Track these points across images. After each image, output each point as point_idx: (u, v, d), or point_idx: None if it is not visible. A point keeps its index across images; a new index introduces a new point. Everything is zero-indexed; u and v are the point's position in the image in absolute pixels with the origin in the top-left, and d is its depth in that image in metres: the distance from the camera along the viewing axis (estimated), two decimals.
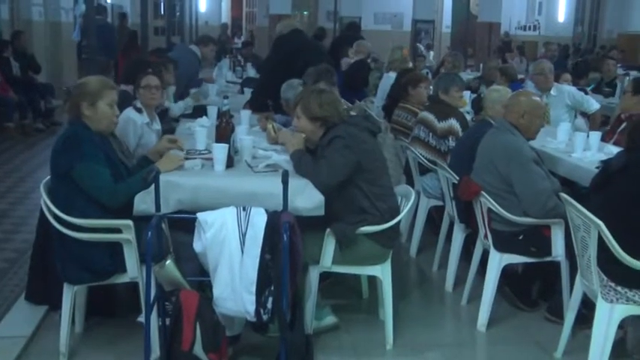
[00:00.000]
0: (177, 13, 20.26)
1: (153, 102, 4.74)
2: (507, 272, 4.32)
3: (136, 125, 4.50)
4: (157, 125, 4.80)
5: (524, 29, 23.68)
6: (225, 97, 4.10)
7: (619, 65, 12.61)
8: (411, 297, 4.68)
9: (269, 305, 3.28)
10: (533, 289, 4.49)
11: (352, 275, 4.34)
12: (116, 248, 3.51)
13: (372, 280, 4.14)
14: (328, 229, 3.70)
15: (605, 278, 3.37)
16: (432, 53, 17.50)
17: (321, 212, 3.59)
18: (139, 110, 4.59)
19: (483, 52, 17.24)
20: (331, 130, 3.81)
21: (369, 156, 3.77)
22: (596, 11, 23.15)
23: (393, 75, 7.56)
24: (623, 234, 3.28)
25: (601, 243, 3.31)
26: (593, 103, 6.63)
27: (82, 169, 3.48)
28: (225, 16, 27.02)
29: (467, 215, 4.43)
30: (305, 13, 24.07)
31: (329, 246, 3.72)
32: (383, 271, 3.84)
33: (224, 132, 3.90)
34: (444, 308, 4.60)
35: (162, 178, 3.42)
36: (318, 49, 6.84)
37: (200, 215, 3.33)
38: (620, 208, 3.38)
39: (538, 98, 4.33)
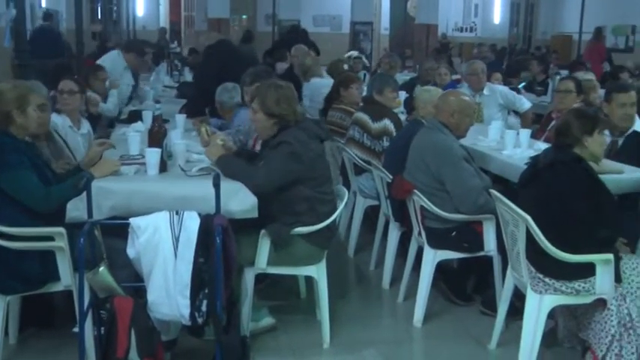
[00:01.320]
0: (115, 18, 20.01)
1: (66, 107, 4.77)
2: (443, 268, 4.40)
3: (57, 127, 4.49)
4: (84, 129, 4.77)
5: (462, 31, 24.07)
6: (157, 102, 4.09)
7: (552, 65, 12.97)
8: (348, 296, 4.72)
9: (204, 308, 3.28)
10: (468, 284, 4.58)
11: (290, 276, 4.36)
12: (49, 256, 3.46)
13: (310, 281, 4.17)
14: (263, 231, 3.71)
15: (534, 270, 3.47)
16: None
17: (255, 214, 3.60)
18: (59, 113, 4.63)
19: (421, 53, 17.46)
20: (282, 133, 3.79)
21: (314, 164, 3.78)
22: (530, 13, 23.73)
23: (314, 81, 7.55)
24: (550, 227, 3.39)
25: (529, 237, 3.41)
26: (525, 102, 6.79)
27: (9, 177, 3.42)
28: (164, 21, 26.75)
29: (401, 214, 4.49)
30: (244, 16, 24.03)
31: (264, 247, 3.73)
32: (318, 271, 3.87)
33: (156, 136, 3.88)
34: (381, 306, 4.65)
35: (95, 184, 3.40)
36: (249, 53, 6.88)
37: (133, 220, 3.31)
38: (548, 203, 3.49)
39: (467, 98, 4.41)
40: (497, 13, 23.74)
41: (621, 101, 4.63)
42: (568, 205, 3.45)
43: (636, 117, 4.75)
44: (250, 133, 4.79)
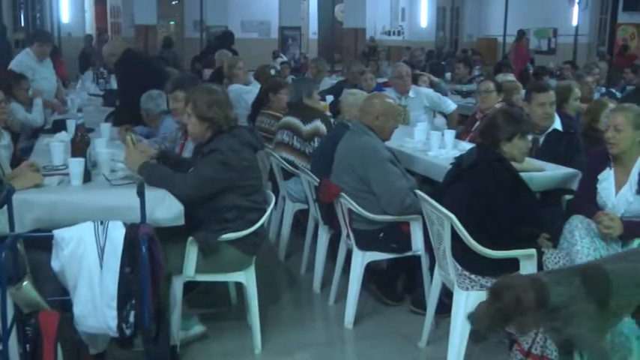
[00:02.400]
0: (38, 25, 19.51)
1: None
2: (372, 269, 4.45)
3: None
4: (5, 140, 4.65)
5: (389, 34, 24.36)
6: (79, 111, 4.01)
7: (477, 67, 13.26)
8: (280, 301, 4.72)
9: (131, 319, 3.24)
10: (398, 284, 4.64)
11: (221, 283, 4.33)
12: None
13: (241, 287, 4.15)
14: (190, 238, 3.68)
15: (460, 267, 3.55)
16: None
17: (182, 222, 3.57)
18: None
19: (350, 57, 17.61)
20: (215, 140, 3.76)
21: (245, 173, 3.76)
22: (456, 17, 24.22)
23: (235, 87, 7.51)
24: (474, 225, 3.47)
25: (455, 235, 3.48)
26: (450, 104, 6.92)
27: None
28: (90, 27, 26.23)
29: (330, 217, 4.52)
30: (171, 22, 23.78)
31: (191, 255, 3.70)
32: (247, 277, 3.86)
33: (79, 146, 3.81)
34: (312, 309, 4.67)
35: (17, 196, 3.30)
36: (170, 57, 6.84)
37: (56, 232, 3.24)
38: (472, 201, 3.57)
39: (391, 100, 4.47)
40: (424, 17, 24.17)
41: (541, 101, 4.76)
42: (491, 203, 3.54)
43: (556, 115, 4.88)
44: (177, 140, 4.75)
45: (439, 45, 20.47)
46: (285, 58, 14.46)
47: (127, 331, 3.24)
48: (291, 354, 3.95)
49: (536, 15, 19.77)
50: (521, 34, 16.89)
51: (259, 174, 3.98)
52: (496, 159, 3.65)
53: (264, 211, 3.88)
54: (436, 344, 3.92)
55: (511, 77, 7.02)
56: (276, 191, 5.55)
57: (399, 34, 24.18)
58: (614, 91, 8.49)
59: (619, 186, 3.99)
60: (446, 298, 3.92)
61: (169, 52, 14.32)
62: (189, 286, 3.96)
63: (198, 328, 4.00)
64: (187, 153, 4.43)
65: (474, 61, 13.10)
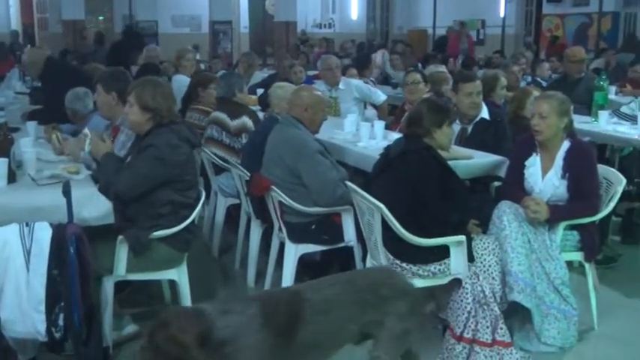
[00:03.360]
0: None
1: None
2: (306, 261, 4.46)
3: None
4: None
5: (320, 27, 24.40)
6: (1, 109, 3.91)
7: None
8: (214, 296, 4.66)
9: (61, 322, 3.19)
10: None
11: (154, 281, 4.28)
12: None
13: (175, 284, 4.10)
14: (120, 237, 3.62)
15: (392, 257, 3.59)
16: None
17: (111, 220, 3.52)
18: None
19: (282, 50, 17.57)
20: (153, 134, 3.72)
21: (181, 168, 3.73)
22: (386, 9, 24.42)
23: (180, 77, 7.49)
24: (405, 214, 3.52)
25: (385, 225, 3.51)
26: (380, 95, 6.98)
27: None
28: (15, 23, 25.50)
29: (262, 210, 4.51)
30: (100, 18, 23.30)
31: (122, 254, 3.64)
32: (179, 275, 3.83)
33: (2, 146, 3.72)
34: None
35: None
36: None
37: None
38: (401, 191, 3.61)
39: (319, 92, 4.49)
40: (355, 9, 24.28)
41: (468, 91, 4.84)
42: (420, 192, 3.59)
43: (483, 105, 4.98)
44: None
45: (370, 37, 20.56)
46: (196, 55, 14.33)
47: (57, 335, 3.19)
48: None
49: (465, 7, 20.09)
50: (462, 25, 17.16)
51: (195, 170, 3.97)
52: (423, 148, 3.70)
53: (196, 207, 3.86)
54: None
55: (442, 69, 7.11)
56: (207, 187, 5.52)
57: (329, 26, 24.23)
58: (539, 79, 8.69)
59: (545, 171, 4.11)
60: None
61: (103, 49, 14.01)
62: (122, 286, 3.91)
63: (131, 328, 3.94)
64: (116, 150, 4.35)
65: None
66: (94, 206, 3.49)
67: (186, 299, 3.85)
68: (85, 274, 3.26)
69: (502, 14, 18.38)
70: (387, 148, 3.94)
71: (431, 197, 3.59)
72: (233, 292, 4.81)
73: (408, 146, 3.73)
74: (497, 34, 18.26)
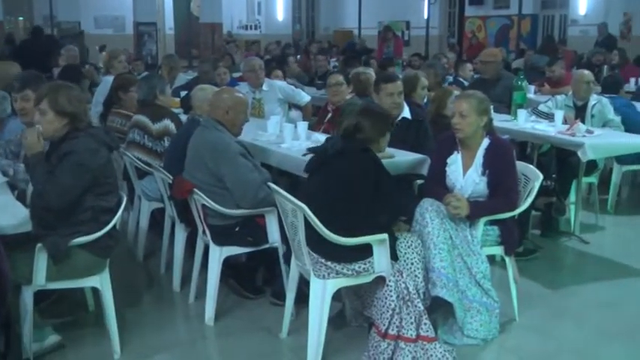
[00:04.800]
0: None
1: None
2: (232, 264, 4.44)
3: None
4: None
5: (246, 29, 24.33)
6: None
7: (333, 59, 13.48)
8: (139, 302, 4.61)
9: None
10: (258, 277, 4.65)
11: (77, 289, 4.18)
12: None
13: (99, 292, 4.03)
14: (39, 245, 3.52)
15: (316, 256, 3.59)
16: None
17: (28, 228, 3.42)
18: None
19: (208, 52, 17.45)
20: (70, 139, 3.63)
21: (102, 172, 3.66)
22: (311, 10, 24.53)
23: (111, 79, 7.36)
24: (333, 213, 3.52)
25: (309, 225, 3.52)
26: (304, 96, 6.99)
27: None
28: None
29: (186, 214, 4.45)
30: (20, 18, 22.71)
31: (41, 262, 3.53)
32: (102, 282, 3.75)
33: None
34: (172, 309, 4.58)
35: None
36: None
37: None
38: (333, 189, 3.61)
39: (241, 94, 4.46)
40: (281, 11, 24.31)
41: (389, 91, 4.90)
42: (354, 191, 3.59)
43: (404, 104, 5.04)
44: (22, 143, 4.53)
45: (296, 38, 20.61)
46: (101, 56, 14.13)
47: None
48: (151, 356, 3.87)
49: (390, 8, 20.38)
50: (385, 28, 17.32)
51: (115, 174, 3.89)
52: (361, 148, 3.72)
53: (118, 212, 3.79)
54: (297, 334, 3.95)
55: (369, 71, 7.17)
56: (131, 191, 5.43)
57: (256, 27, 24.18)
58: (461, 79, 8.86)
59: (466, 168, 4.20)
60: (305, 287, 3.96)
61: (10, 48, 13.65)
62: (43, 295, 3.81)
63: (53, 339, 3.83)
64: None
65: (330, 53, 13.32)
66: (9, 214, 3.40)
67: (110, 306, 3.78)
68: (1, 285, 3.16)
69: (426, 16, 18.67)
70: (321, 148, 3.91)
71: (364, 197, 3.59)
72: (158, 297, 4.74)
73: (346, 145, 3.73)
74: (421, 36, 18.56)
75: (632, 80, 10.00)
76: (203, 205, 4.13)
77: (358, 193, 3.60)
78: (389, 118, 3.95)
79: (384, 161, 4.15)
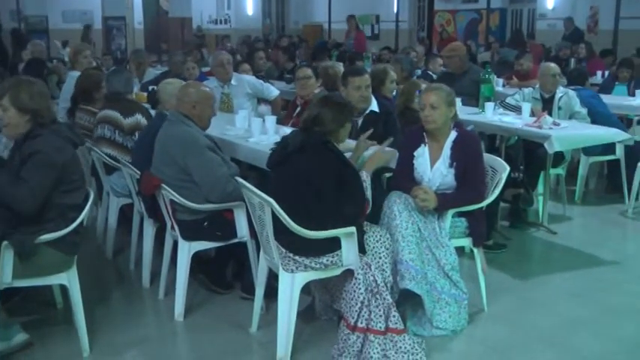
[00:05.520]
0: None
1: None
2: (201, 259, 4.42)
3: None
4: None
5: (216, 23, 24.20)
6: None
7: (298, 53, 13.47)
8: (109, 299, 4.58)
9: None
10: (228, 272, 4.64)
11: (46, 286, 4.14)
12: None
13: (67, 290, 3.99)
14: (5, 242, 3.48)
15: (284, 250, 3.59)
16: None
17: None
18: None
19: (178, 46, 17.35)
20: (34, 137, 3.58)
21: (68, 169, 3.62)
22: (281, 4, 24.48)
23: (77, 74, 7.28)
24: (300, 207, 3.52)
25: (277, 218, 3.51)
26: (273, 90, 6.98)
27: None
28: None
29: (154, 209, 4.42)
30: None
31: (7, 260, 3.50)
32: (70, 279, 3.71)
33: None
34: (142, 305, 4.56)
35: None
36: None
37: None
38: (298, 184, 3.61)
39: (207, 88, 4.44)
40: (250, 5, 24.24)
41: (356, 84, 4.90)
42: (318, 185, 3.59)
43: (372, 98, 5.05)
44: None
45: (265, 32, 20.56)
46: (64, 52, 13.95)
47: None
48: (121, 353, 3.85)
49: (360, 2, 20.38)
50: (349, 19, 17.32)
51: (82, 171, 3.85)
52: (321, 142, 3.71)
53: (85, 209, 3.76)
54: (267, 328, 3.96)
55: (339, 64, 7.17)
56: (99, 187, 5.39)
57: (225, 22, 24.07)
58: (431, 73, 8.91)
59: (434, 161, 4.23)
60: (275, 281, 3.96)
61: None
62: (10, 293, 3.77)
63: (20, 337, 3.78)
64: None
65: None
66: None
67: (78, 303, 3.74)
68: None
69: (395, 9, 18.73)
70: (284, 142, 3.91)
71: (328, 190, 3.58)
72: (128, 294, 4.71)
73: (306, 140, 3.73)
74: (391, 29, 18.63)
75: (599, 73, 10.14)
76: (171, 201, 4.11)
77: (321, 187, 3.59)
78: (349, 109, 3.92)
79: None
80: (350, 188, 3.66)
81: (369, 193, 3.80)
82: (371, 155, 4.04)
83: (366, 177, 3.85)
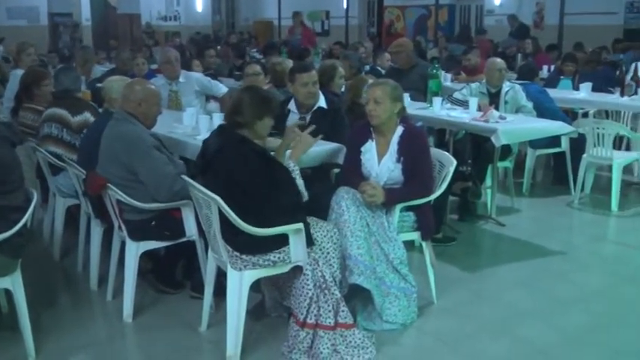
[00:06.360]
0: None
1: None
2: (152, 259, 4.37)
3: None
4: None
5: (166, 20, 23.96)
6: None
7: (254, 50, 13.42)
8: (56, 302, 4.50)
9: None
10: (177, 271, 4.60)
11: None
12: None
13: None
14: None
15: (231, 249, 3.57)
16: None
17: None
18: None
19: (127, 43, 17.14)
20: None
21: (5, 169, 3.53)
22: (231, 0, 24.35)
23: (20, 72, 7.15)
24: (239, 207, 3.49)
25: (224, 217, 3.49)
26: (221, 87, 6.94)
27: None
28: None
29: (101, 210, 4.36)
30: None
31: None
32: (13, 282, 3.63)
33: None
34: (90, 307, 4.48)
35: None
36: None
37: None
38: (227, 186, 3.56)
39: (153, 86, 4.38)
40: (200, 1, 24.05)
41: (304, 81, 4.89)
42: (246, 184, 3.57)
43: (320, 94, 5.05)
44: None
45: (215, 29, 20.44)
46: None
47: None
48: (68, 357, 3.78)
49: None
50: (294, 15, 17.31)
51: (21, 171, 3.75)
52: (239, 141, 3.68)
53: (27, 210, 3.68)
54: (217, 326, 3.93)
55: (287, 61, 7.16)
56: (46, 188, 5.29)
57: (175, 19, 23.84)
58: (379, 68, 8.96)
59: (381, 156, 4.25)
60: (224, 279, 3.93)
61: None
62: None
63: None
64: None
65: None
66: None
67: (23, 307, 3.66)
68: None
69: (345, 5, 18.78)
70: (204, 146, 3.88)
71: (257, 189, 3.57)
72: (76, 296, 4.63)
73: (224, 141, 3.70)
74: (341, 25, 18.67)
75: (545, 67, 10.32)
76: (118, 200, 4.06)
77: (248, 184, 3.57)
78: (271, 104, 3.85)
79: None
80: (278, 182, 3.64)
81: (300, 182, 3.79)
82: (295, 143, 4.01)
83: (293, 166, 3.83)
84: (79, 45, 16.51)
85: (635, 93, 7.71)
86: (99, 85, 6.98)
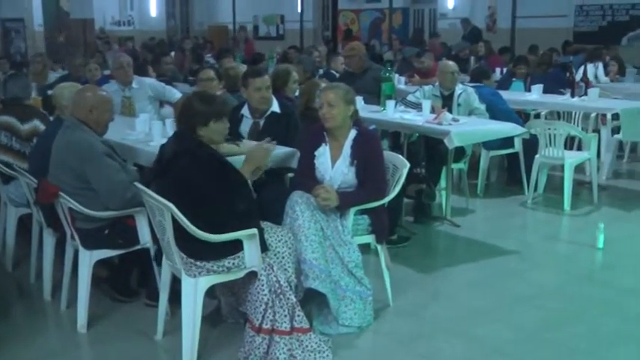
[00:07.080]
0: None
1: None
2: (107, 267, 4.32)
3: None
4: None
5: (119, 24, 23.72)
6: None
7: (209, 55, 13.36)
8: (8, 314, 4.41)
9: None
10: (132, 279, 4.55)
11: None
12: None
13: None
14: None
15: (185, 256, 3.55)
16: None
17: None
18: None
19: (80, 49, 16.94)
20: None
21: None
22: (185, 5, 24.22)
23: None
24: (193, 214, 3.47)
25: (177, 224, 3.47)
26: (175, 92, 6.89)
27: None
28: None
29: (53, 219, 4.29)
30: None
31: None
32: None
33: None
34: (44, 318, 4.40)
35: None
36: None
37: None
38: (181, 194, 3.53)
39: (104, 92, 4.34)
40: (154, 6, 23.88)
41: (257, 85, 4.89)
42: (201, 190, 3.55)
43: (273, 99, 5.05)
44: None
45: (170, 34, 20.30)
46: None
47: None
48: None
49: (264, 2, 20.41)
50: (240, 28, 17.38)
51: None
52: (195, 145, 3.67)
53: None
54: (173, 334, 3.90)
55: (241, 66, 7.15)
56: None
57: (129, 23, 23.62)
58: (333, 72, 8.99)
59: (334, 160, 4.28)
60: (179, 286, 3.89)
61: None
62: None
63: None
64: None
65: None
66: None
67: None
68: None
69: (300, 9, 18.82)
70: (160, 152, 3.86)
71: (212, 194, 3.55)
72: (29, 307, 4.55)
73: (180, 145, 3.67)
74: (296, 29, 18.69)
75: (498, 70, 10.47)
76: (70, 209, 4.00)
77: (205, 191, 3.55)
78: (222, 107, 3.82)
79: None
80: (233, 187, 3.63)
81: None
82: (247, 155, 3.98)
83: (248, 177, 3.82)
84: (36, 52, 16.25)
85: (585, 94, 7.88)
86: (49, 92, 6.93)
